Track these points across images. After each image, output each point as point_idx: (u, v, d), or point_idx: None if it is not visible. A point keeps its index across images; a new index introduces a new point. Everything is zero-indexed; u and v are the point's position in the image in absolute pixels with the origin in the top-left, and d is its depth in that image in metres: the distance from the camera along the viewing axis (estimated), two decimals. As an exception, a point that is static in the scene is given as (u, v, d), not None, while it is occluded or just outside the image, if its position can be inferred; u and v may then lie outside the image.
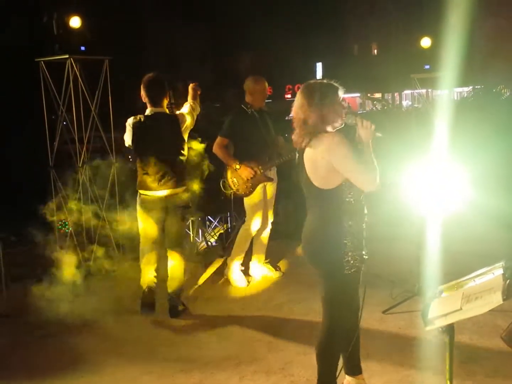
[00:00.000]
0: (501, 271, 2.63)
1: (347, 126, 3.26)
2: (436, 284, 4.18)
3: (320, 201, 3.21)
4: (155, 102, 4.81)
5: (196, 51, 22.75)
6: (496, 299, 2.54)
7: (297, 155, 3.29)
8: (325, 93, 3.15)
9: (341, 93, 3.20)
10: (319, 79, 3.35)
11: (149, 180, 4.76)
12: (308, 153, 3.19)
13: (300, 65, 32.16)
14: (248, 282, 5.74)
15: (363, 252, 3.26)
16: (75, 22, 6.25)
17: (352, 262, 3.18)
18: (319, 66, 38.84)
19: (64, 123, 6.72)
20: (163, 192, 4.78)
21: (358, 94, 33.95)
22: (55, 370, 4.10)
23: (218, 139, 5.48)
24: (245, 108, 5.51)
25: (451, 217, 5.22)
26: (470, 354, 4.08)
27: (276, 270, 5.97)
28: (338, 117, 3.18)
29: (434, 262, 4.96)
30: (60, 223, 6.39)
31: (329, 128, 3.17)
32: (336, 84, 3.20)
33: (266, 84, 5.57)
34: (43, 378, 4.01)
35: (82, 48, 6.35)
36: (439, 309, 2.67)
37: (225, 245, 6.97)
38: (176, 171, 4.77)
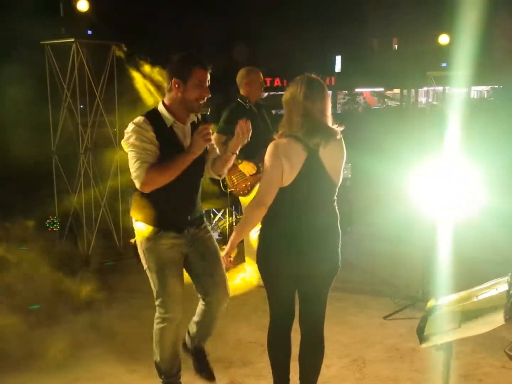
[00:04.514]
0: (505, 287, 2.45)
1: None
2: (444, 291, 4.01)
3: (333, 198, 3.16)
4: None
5: (211, 40, 22.48)
6: (498, 319, 2.37)
7: (305, 155, 2.99)
8: None
9: None
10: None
11: None
12: (330, 151, 3.04)
13: (319, 58, 31.87)
14: None
15: None
16: (82, 5, 6.09)
17: None
18: (338, 59, 38.50)
19: (81, 106, 6.61)
20: None
21: (381, 89, 33.71)
22: (41, 363, 3.97)
23: (215, 136, 5.13)
24: (242, 102, 5.27)
25: (463, 221, 5.03)
26: (471, 367, 3.90)
27: None
28: None
29: (443, 267, 4.79)
30: (48, 221, 6.23)
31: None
32: None
33: (261, 74, 5.35)
34: (27, 370, 3.88)
35: (89, 32, 6.22)
36: (437, 325, 2.50)
37: (227, 239, 6.82)
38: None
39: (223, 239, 6.88)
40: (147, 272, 3.29)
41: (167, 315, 3.31)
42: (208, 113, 3.21)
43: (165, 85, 3.17)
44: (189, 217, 3.30)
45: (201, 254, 3.36)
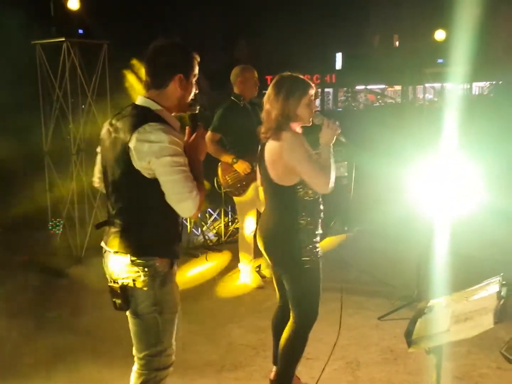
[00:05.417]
0: (496, 288, 2.38)
1: (314, 125, 3.16)
2: (440, 291, 3.92)
3: (277, 196, 3.16)
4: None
5: (212, 38, 22.35)
6: (487, 322, 2.30)
7: (259, 147, 3.25)
8: (294, 88, 3.06)
9: (312, 91, 3.10)
10: (291, 73, 3.14)
11: None
12: (269, 148, 3.11)
13: (320, 55, 31.76)
14: (262, 282, 5.37)
15: (318, 247, 3.16)
16: (73, 4, 6.02)
17: (308, 256, 3.09)
18: (338, 56, 38.34)
19: (83, 106, 6.54)
20: None
21: (383, 86, 33.55)
22: (30, 369, 3.90)
23: (209, 134, 5.10)
24: (236, 100, 5.22)
25: (462, 219, 4.95)
26: (467, 369, 3.83)
27: (262, 278, 5.46)
28: (305, 114, 3.09)
29: (441, 267, 4.71)
30: (51, 223, 6.19)
31: (294, 125, 3.09)
32: (308, 81, 3.11)
33: (256, 72, 5.28)
34: (15, 376, 3.80)
35: (80, 31, 6.14)
36: (425, 328, 2.42)
37: (222, 239, 6.76)
38: None
39: (219, 240, 6.82)
40: (153, 319, 2.60)
41: (169, 365, 2.75)
42: (197, 112, 2.64)
43: (146, 81, 2.57)
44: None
45: None
